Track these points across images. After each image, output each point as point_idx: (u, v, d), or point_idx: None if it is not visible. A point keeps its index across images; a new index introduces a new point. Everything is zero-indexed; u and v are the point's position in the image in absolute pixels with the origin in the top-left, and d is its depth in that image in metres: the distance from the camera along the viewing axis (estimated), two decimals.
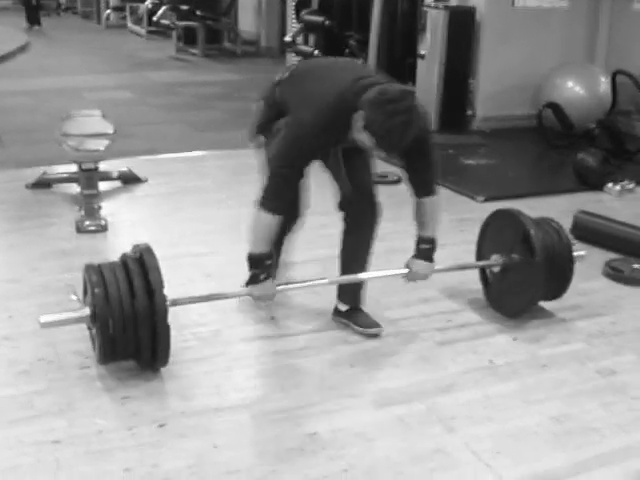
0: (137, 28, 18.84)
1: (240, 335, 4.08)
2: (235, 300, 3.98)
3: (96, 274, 3.48)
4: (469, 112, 9.05)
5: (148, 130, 8.86)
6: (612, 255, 5.19)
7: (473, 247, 4.53)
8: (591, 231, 5.46)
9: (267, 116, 3.81)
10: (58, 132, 6.10)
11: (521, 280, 4.15)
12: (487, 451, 3.16)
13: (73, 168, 6.12)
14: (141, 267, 3.47)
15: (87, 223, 5.50)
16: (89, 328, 3.59)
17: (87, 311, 3.48)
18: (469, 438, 3.24)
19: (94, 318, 3.44)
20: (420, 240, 3.88)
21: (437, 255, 3.95)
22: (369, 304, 4.17)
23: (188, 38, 15.50)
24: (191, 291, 3.92)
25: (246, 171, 6.72)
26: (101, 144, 5.98)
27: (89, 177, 5.88)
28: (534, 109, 8.71)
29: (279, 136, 3.61)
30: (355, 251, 4.01)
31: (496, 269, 4.26)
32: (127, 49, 16.31)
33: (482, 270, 4.43)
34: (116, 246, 5.17)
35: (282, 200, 3.56)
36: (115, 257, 3.68)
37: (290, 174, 3.55)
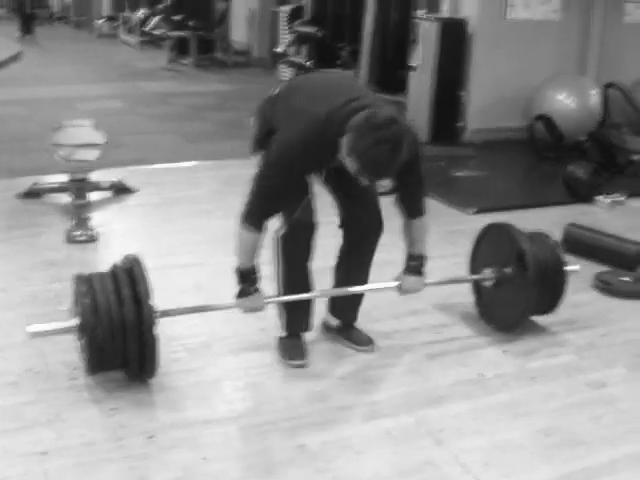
0: (129, 38, 18.86)
1: (229, 347, 4.08)
2: (224, 311, 3.98)
3: (85, 285, 3.48)
4: (460, 124, 9.07)
5: (139, 140, 8.86)
6: (602, 268, 5.19)
7: (463, 260, 4.53)
8: (581, 244, 5.47)
9: (262, 132, 3.74)
10: (49, 142, 6.10)
11: (514, 294, 4.14)
12: (476, 464, 3.15)
13: (64, 178, 6.11)
14: (130, 278, 3.47)
15: (77, 233, 5.50)
16: (78, 339, 3.58)
17: (75, 321, 3.47)
18: (458, 451, 3.24)
19: (82, 328, 3.44)
20: (410, 257, 3.87)
21: (427, 267, 3.94)
22: (359, 316, 4.16)
23: (180, 48, 15.51)
24: (180, 302, 3.91)
25: (237, 182, 6.70)
26: (92, 154, 5.97)
27: (79, 187, 5.88)
28: (525, 121, 8.73)
29: (264, 155, 3.59)
30: (353, 272, 3.99)
31: (489, 283, 4.25)
32: (119, 59, 16.31)
33: (475, 283, 4.43)
34: (106, 256, 5.16)
35: (262, 218, 3.52)
36: (105, 268, 3.67)
37: (270, 194, 3.50)
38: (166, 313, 3.60)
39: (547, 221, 6.03)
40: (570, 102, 8.57)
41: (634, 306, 4.74)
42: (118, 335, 3.39)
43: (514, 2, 8.90)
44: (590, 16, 9.41)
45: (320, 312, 4.09)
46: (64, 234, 5.49)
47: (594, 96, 8.63)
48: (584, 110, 8.55)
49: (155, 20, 15.58)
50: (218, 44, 16.00)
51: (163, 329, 3.50)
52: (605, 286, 4.90)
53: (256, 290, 3.67)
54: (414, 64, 8.94)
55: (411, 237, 3.81)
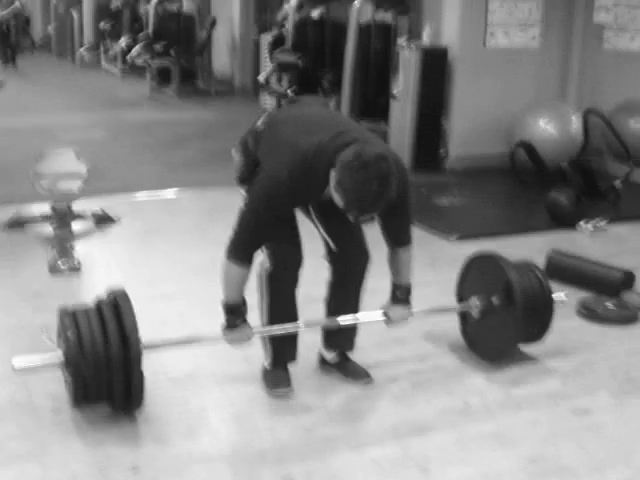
0: (111, 67, 18.86)
1: (213, 377, 4.06)
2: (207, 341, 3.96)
3: (70, 318, 3.45)
4: (442, 151, 9.09)
5: (121, 169, 8.84)
6: (585, 294, 5.21)
7: (446, 287, 4.54)
8: (564, 270, 5.49)
9: (245, 167, 3.72)
10: (31, 172, 6.08)
11: (500, 325, 4.14)
12: None
13: (46, 208, 6.09)
14: (115, 313, 3.45)
15: (60, 263, 5.48)
16: (63, 373, 3.56)
17: (61, 356, 3.45)
18: None
19: (68, 363, 3.42)
20: (395, 287, 3.86)
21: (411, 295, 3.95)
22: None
23: (162, 77, 15.50)
24: (164, 332, 3.90)
25: (220, 211, 6.75)
26: (74, 184, 5.96)
27: (62, 217, 5.86)
28: (507, 148, 8.77)
29: (251, 188, 3.58)
30: (342, 304, 3.96)
31: (475, 312, 4.25)
32: (101, 88, 16.31)
33: (461, 312, 4.42)
34: (90, 286, 5.17)
35: (249, 251, 3.52)
36: (89, 298, 3.66)
37: (258, 228, 3.49)
38: (152, 346, 3.59)
39: (530, 247, 6.05)
40: (551, 129, 8.61)
41: (618, 332, 4.75)
42: (104, 370, 3.37)
43: (494, 30, 8.96)
44: (570, 43, 9.49)
45: (305, 344, 4.07)
46: (47, 264, 5.47)
47: (575, 122, 8.68)
48: (565, 136, 8.59)
49: (137, 49, 15.58)
50: (200, 73, 16.02)
51: (147, 358, 3.48)
52: (589, 312, 4.91)
53: (243, 322, 3.66)
54: (395, 92, 8.97)
55: (397, 266, 3.80)
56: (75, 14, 20.98)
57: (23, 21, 21.84)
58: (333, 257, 3.89)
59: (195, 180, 8.28)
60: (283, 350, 3.93)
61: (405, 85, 8.78)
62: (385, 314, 3.93)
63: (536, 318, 4.18)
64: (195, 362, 4.15)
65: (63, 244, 5.69)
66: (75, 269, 5.47)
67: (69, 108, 13.51)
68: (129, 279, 5.22)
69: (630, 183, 7.83)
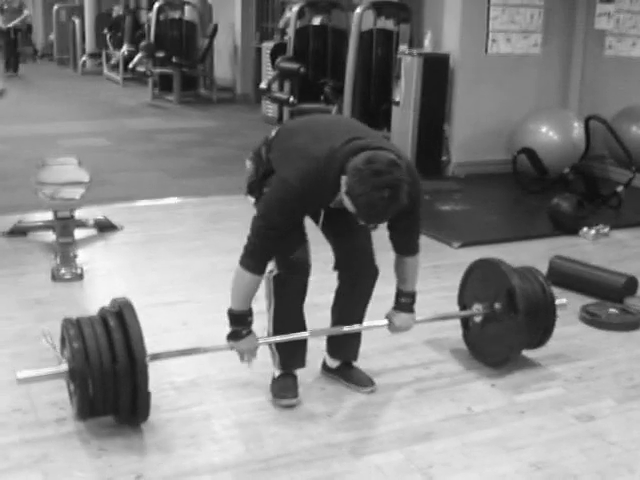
0: (113, 75, 18.89)
1: (217, 384, 4.05)
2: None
3: (74, 329, 3.44)
4: (444, 158, 9.09)
5: (124, 177, 8.84)
6: (588, 300, 5.20)
7: (450, 294, 4.54)
8: (567, 276, 5.48)
9: (256, 176, 3.71)
10: (33, 180, 6.08)
11: (503, 330, 4.13)
12: None
13: (49, 216, 6.10)
14: (121, 324, 3.43)
15: (63, 271, 5.47)
16: (67, 384, 3.55)
17: (65, 367, 3.44)
18: None
19: (72, 376, 3.41)
20: (400, 294, 3.86)
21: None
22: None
23: (164, 85, 15.52)
24: (168, 339, 3.90)
25: (222, 218, 6.75)
26: (76, 192, 5.97)
27: (64, 225, 5.86)
28: (509, 154, 8.77)
29: (264, 195, 3.58)
30: (348, 313, 3.95)
31: (478, 318, 4.25)
32: (103, 96, 16.32)
33: (464, 319, 4.41)
34: (92, 295, 5.17)
35: (263, 259, 3.51)
36: (91, 306, 3.66)
37: (271, 235, 3.45)
38: (157, 356, 3.59)
39: (532, 254, 6.05)
40: (553, 135, 8.62)
41: (622, 338, 4.74)
42: (109, 383, 3.35)
43: (496, 37, 8.98)
44: (571, 49, 9.51)
45: (310, 351, 4.06)
46: (50, 272, 5.47)
47: (577, 128, 8.69)
48: (567, 143, 8.60)
49: (138, 57, 15.59)
50: (202, 80, 16.05)
51: (150, 367, 3.47)
52: (592, 318, 4.91)
53: (249, 333, 3.66)
54: (397, 99, 8.97)
55: (403, 274, 3.80)
56: (77, 22, 21.01)
57: (26, 29, 21.86)
58: (340, 268, 3.88)
59: (197, 187, 8.29)
60: (291, 357, 3.92)
61: (407, 92, 8.78)
62: (389, 321, 3.93)
63: (539, 323, 4.18)
64: (199, 369, 4.14)
65: (65, 252, 5.70)
66: (77, 277, 5.47)
67: (71, 116, 13.53)
68: (132, 286, 5.22)
69: (632, 189, 7.82)
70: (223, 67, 16.36)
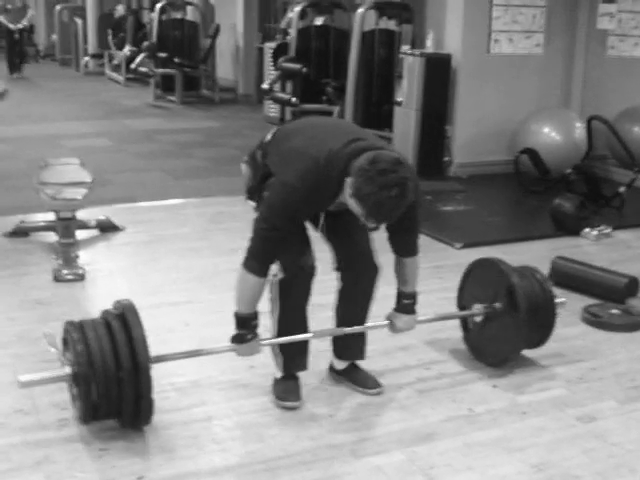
0: (115, 75, 18.90)
1: (218, 385, 4.05)
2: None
3: (77, 332, 3.43)
4: (446, 158, 9.09)
5: (126, 178, 8.85)
6: (590, 300, 5.20)
7: (451, 294, 4.53)
8: (569, 277, 5.48)
9: (254, 180, 3.72)
10: (35, 180, 6.08)
11: (503, 330, 4.13)
12: None
13: (51, 216, 6.10)
14: (124, 328, 3.42)
15: (65, 272, 5.47)
16: (70, 388, 3.55)
17: (68, 370, 3.44)
18: None
19: (76, 379, 3.41)
20: (401, 295, 3.86)
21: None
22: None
23: (166, 85, 15.52)
24: (170, 340, 3.90)
25: (224, 219, 6.75)
26: (79, 193, 5.96)
27: (66, 226, 5.86)
28: (511, 155, 8.77)
29: (265, 197, 3.57)
30: (350, 314, 3.94)
31: (478, 318, 4.25)
32: (105, 96, 16.32)
33: (463, 318, 4.42)
34: (94, 295, 5.17)
35: (266, 261, 3.50)
36: (93, 306, 3.65)
37: (274, 236, 3.45)
38: (160, 359, 3.58)
39: (534, 254, 6.05)
40: (555, 135, 8.62)
41: (623, 339, 4.74)
42: (113, 388, 3.35)
43: (498, 37, 8.98)
44: (573, 49, 9.51)
45: (313, 352, 4.06)
46: (51, 273, 5.47)
47: (579, 129, 8.69)
48: (569, 143, 8.60)
49: (140, 57, 15.60)
50: (204, 81, 16.05)
51: (152, 369, 3.47)
52: (594, 319, 4.91)
53: (253, 338, 3.65)
54: (399, 99, 8.98)
55: (403, 275, 3.80)
56: (79, 22, 21.02)
57: (29, 29, 21.85)
58: (343, 269, 3.88)
59: (199, 188, 8.29)
60: (293, 359, 3.91)
61: (409, 92, 8.78)
62: (391, 322, 3.93)
63: (539, 321, 4.17)
64: (201, 370, 4.14)
65: (67, 252, 5.70)
66: (79, 277, 5.47)
67: (73, 116, 13.53)
68: (134, 287, 5.22)
69: (635, 189, 7.82)
70: (225, 67, 16.38)
